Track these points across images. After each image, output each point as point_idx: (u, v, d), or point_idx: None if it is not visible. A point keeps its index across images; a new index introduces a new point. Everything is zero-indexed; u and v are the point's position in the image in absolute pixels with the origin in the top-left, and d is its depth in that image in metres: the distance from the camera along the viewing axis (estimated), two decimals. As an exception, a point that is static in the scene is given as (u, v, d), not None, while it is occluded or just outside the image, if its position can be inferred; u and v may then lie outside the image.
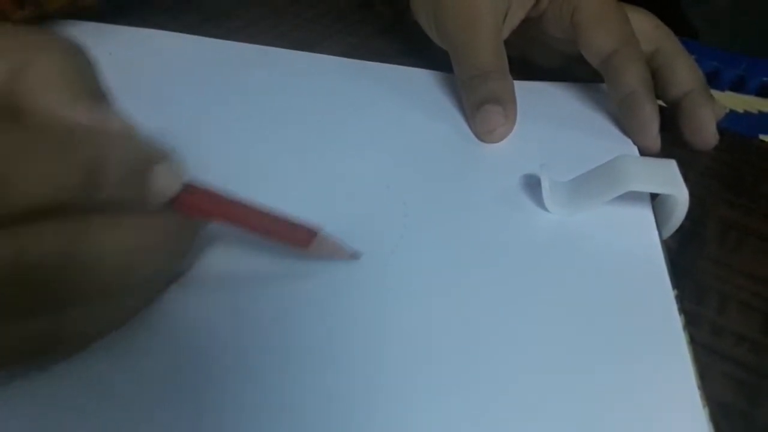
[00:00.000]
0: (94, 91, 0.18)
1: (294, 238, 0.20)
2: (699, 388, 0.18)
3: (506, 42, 0.31)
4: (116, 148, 0.16)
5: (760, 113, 0.35)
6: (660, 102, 0.30)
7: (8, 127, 0.15)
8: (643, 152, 0.28)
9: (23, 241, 0.14)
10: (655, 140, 0.28)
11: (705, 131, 0.30)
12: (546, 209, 0.24)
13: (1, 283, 0.14)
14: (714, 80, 0.37)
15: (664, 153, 0.28)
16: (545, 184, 0.24)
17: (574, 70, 0.34)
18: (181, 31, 0.36)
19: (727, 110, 0.33)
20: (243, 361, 0.18)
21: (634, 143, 0.29)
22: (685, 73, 0.31)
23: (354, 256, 0.22)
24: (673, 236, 0.25)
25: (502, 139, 0.28)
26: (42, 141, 0.15)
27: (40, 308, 0.15)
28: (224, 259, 0.22)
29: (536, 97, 0.31)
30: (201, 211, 0.19)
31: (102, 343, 0.18)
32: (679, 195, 0.23)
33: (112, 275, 0.16)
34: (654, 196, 0.25)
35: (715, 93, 0.32)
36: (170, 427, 0.17)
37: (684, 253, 0.25)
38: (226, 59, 0.34)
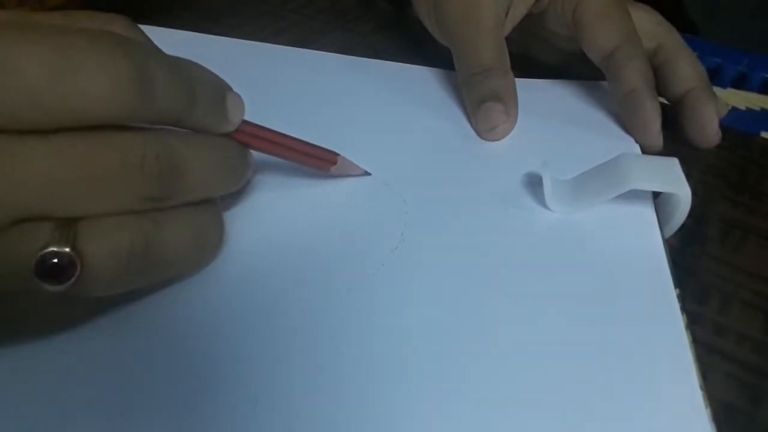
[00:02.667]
0: None
1: (321, 159, 0.24)
2: (701, 388, 0.18)
3: (508, 39, 0.30)
4: (205, 75, 0.19)
5: (763, 110, 0.35)
6: (662, 99, 0.30)
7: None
8: (645, 150, 0.28)
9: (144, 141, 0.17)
10: (657, 138, 0.28)
11: (708, 129, 0.29)
12: (548, 207, 0.24)
13: (125, 171, 0.16)
14: (716, 77, 0.37)
15: (666, 151, 0.28)
16: (547, 182, 0.24)
17: (575, 67, 0.33)
18: (179, 28, 0.36)
19: (729, 107, 0.33)
20: (239, 361, 0.18)
21: (636, 141, 0.28)
22: (687, 70, 0.30)
23: (366, 173, 0.25)
24: (675, 235, 0.25)
25: (503, 137, 0.28)
26: (164, 66, 0.17)
27: (142, 200, 0.17)
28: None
29: (538, 95, 0.31)
30: (249, 139, 0.21)
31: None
32: (682, 193, 0.23)
33: (199, 182, 0.19)
34: (656, 195, 0.25)
35: (717, 90, 0.32)
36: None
37: (686, 252, 0.25)
38: (224, 56, 0.33)
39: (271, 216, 0.24)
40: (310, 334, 0.19)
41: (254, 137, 0.21)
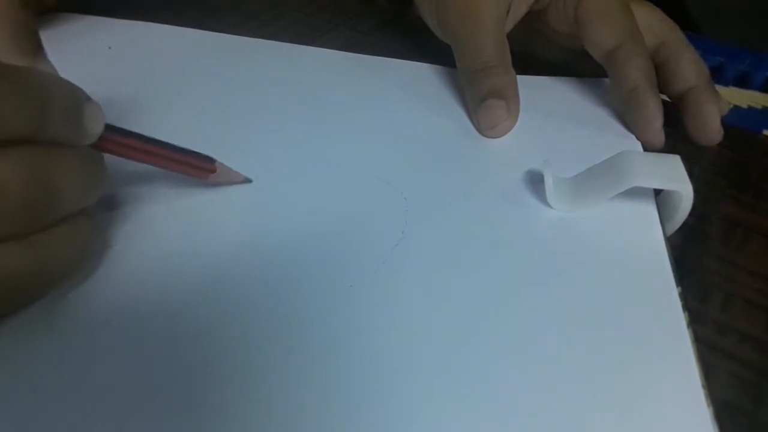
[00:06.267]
0: (31, 42, 0.21)
1: (196, 168, 0.22)
2: (703, 387, 0.18)
3: (509, 36, 0.30)
4: (58, 86, 0.18)
5: (765, 108, 0.35)
6: (664, 97, 0.30)
7: None
8: (647, 148, 0.28)
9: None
10: (658, 136, 0.28)
11: (710, 127, 0.29)
12: (549, 205, 0.24)
13: None
14: (718, 75, 0.37)
15: (668, 148, 0.28)
16: (548, 180, 0.24)
17: (577, 64, 0.33)
18: (181, 25, 0.36)
19: (731, 106, 0.33)
20: (248, 361, 0.18)
21: (638, 139, 0.28)
22: (689, 67, 0.30)
23: (246, 180, 0.24)
24: (676, 233, 0.25)
25: (504, 134, 0.28)
26: (6, 81, 0.16)
27: (19, 230, 0.17)
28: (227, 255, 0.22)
29: (539, 93, 0.31)
30: (115, 148, 0.20)
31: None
32: (684, 190, 0.23)
33: (71, 198, 0.18)
34: (658, 192, 0.25)
35: (719, 88, 0.32)
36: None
37: (688, 250, 0.25)
38: (226, 53, 0.34)
39: (274, 214, 0.23)
40: (312, 331, 0.19)
41: (120, 146, 0.20)
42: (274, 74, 0.32)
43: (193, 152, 0.22)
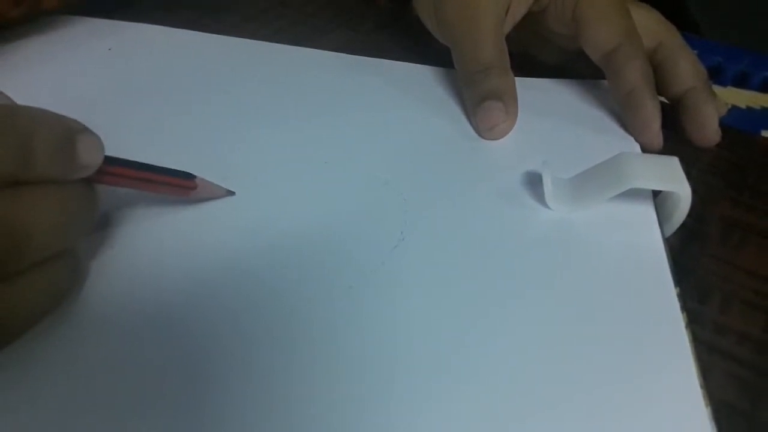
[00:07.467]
0: None
1: (180, 186, 0.22)
2: (701, 387, 0.18)
3: (508, 38, 0.30)
4: (45, 122, 0.17)
5: (763, 109, 0.35)
6: (661, 98, 0.30)
7: None
8: (645, 149, 0.28)
9: None
10: (656, 137, 0.28)
11: (707, 128, 0.29)
12: (547, 206, 0.24)
13: None
14: (717, 75, 0.37)
15: (666, 150, 0.28)
16: (547, 181, 0.24)
17: (575, 66, 0.33)
18: (181, 27, 0.36)
19: (729, 107, 0.33)
20: (248, 362, 0.18)
21: (636, 140, 0.28)
22: (687, 69, 0.30)
23: (229, 193, 0.24)
24: (675, 234, 0.25)
25: (503, 136, 0.28)
26: None
27: None
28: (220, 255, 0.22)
29: (538, 94, 0.31)
30: (108, 179, 0.20)
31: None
32: (682, 192, 0.23)
33: (48, 241, 0.17)
34: (656, 194, 0.25)
35: (718, 89, 0.32)
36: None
37: (686, 251, 0.25)
38: (226, 55, 0.34)
39: (273, 215, 0.24)
40: (311, 331, 0.19)
41: (113, 176, 0.20)
42: (274, 76, 0.32)
43: (173, 171, 0.22)
